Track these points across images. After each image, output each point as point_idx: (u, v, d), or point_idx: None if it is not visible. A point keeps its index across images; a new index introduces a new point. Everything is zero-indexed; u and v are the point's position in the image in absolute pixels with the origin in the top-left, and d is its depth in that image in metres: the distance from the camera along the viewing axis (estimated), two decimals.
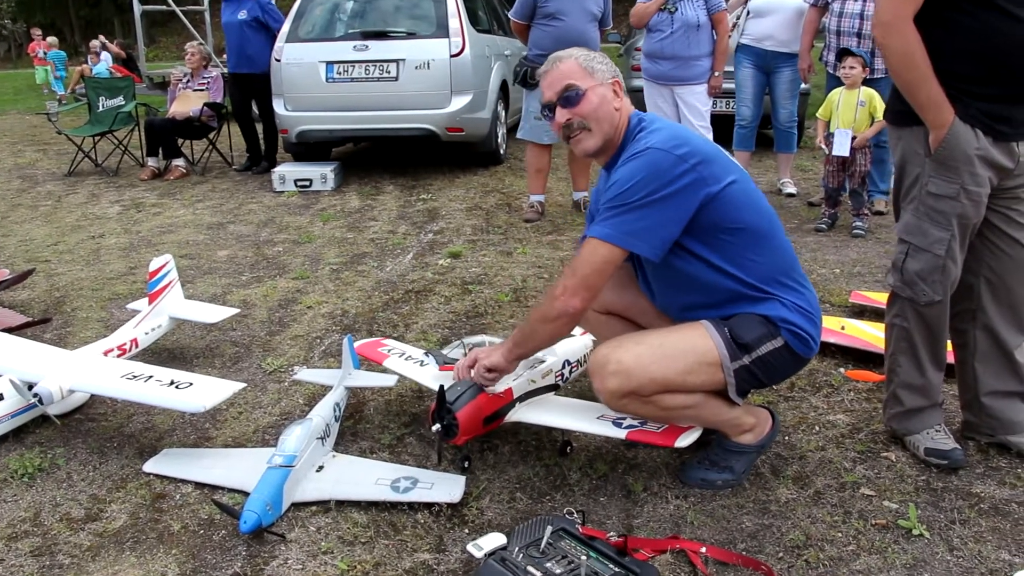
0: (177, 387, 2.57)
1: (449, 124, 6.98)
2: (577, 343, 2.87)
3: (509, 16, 5.76)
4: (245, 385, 2.74)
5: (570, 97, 2.27)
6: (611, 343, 2.24)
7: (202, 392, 2.54)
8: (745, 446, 2.42)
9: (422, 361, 2.87)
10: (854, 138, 5.27)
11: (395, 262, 4.84)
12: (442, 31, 6.88)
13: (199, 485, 2.44)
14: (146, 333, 3.24)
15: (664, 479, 2.47)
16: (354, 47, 6.84)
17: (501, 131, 7.94)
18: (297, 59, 6.92)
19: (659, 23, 5.53)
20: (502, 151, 7.97)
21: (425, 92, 6.90)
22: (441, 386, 2.40)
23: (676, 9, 5.47)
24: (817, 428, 2.77)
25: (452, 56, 6.86)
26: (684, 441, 2.29)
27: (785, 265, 2.31)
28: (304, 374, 2.98)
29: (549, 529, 2.00)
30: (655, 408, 2.23)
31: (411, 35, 6.98)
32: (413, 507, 2.31)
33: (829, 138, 5.40)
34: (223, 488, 2.41)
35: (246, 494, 2.29)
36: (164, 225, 5.83)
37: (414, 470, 2.44)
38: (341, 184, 7.06)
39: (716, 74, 5.59)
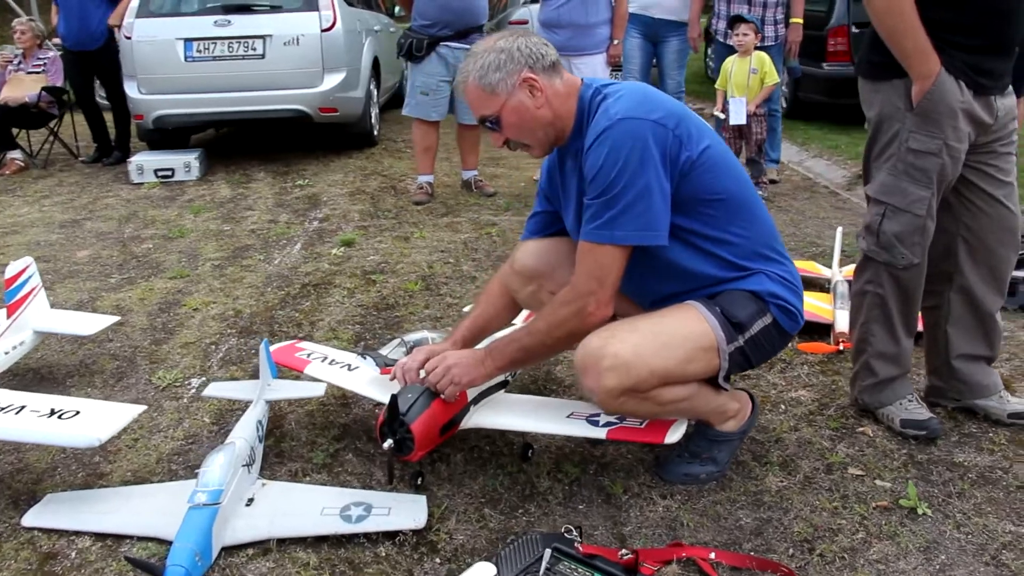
0: (60, 417, 2.10)
1: (322, 104, 6.51)
2: None
3: None
4: (146, 408, 2.29)
5: (490, 125, 2.07)
6: (600, 334, 1.96)
7: (93, 421, 2.09)
8: (728, 434, 2.21)
9: (350, 365, 2.51)
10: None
11: (283, 254, 4.40)
12: (311, 4, 6.37)
13: (99, 536, 1.99)
14: (6, 352, 2.70)
15: (643, 477, 2.23)
16: (215, 22, 6.23)
17: (375, 111, 7.53)
18: (150, 36, 6.23)
19: None
20: (376, 132, 7.57)
21: (295, 70, 6.38)
22: (393, 396, 2.06)
23: None
24: (783, 407, 2.61)
25: (323, 31, 6.36)
26: (674, 436, 2.06)
27: (768, 236, 2.11)
28: (214, 389, 2.55)
29: (548, 552, 1.72)
30: (652, 404, 1.99)
31: (277, 8, 6.43)
32: (370, 538, 1.96)
33: (725, 107, 5.34)
34: (132, 537, 1.98)
35: (164, 543, 1.88)
36: (6, 225, 5.10)
37: (364, 493, 2.10)
38: (207, 173, 6.46)
39: (615, 42, 5.41)
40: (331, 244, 4.56)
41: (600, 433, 2.09)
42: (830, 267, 3.66)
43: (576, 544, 1.78)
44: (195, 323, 3.41)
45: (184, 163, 6.24)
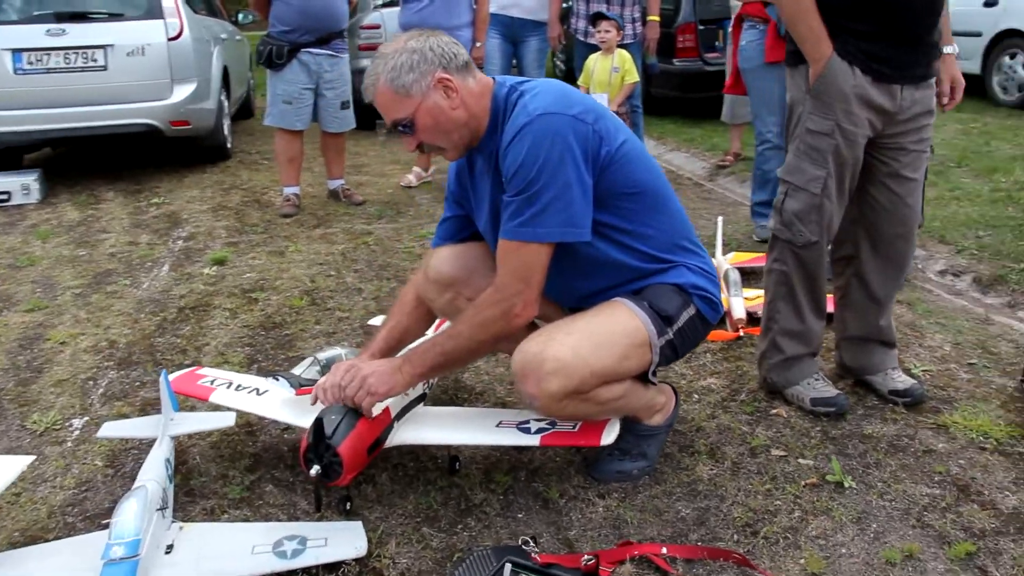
0: None
1: (173, 117, 6.13)
2: None
3: None
4: (35, 457, 2.06)
5: (403, 129, 1.99)
6: (537, 338, 1.92)
7: None
8: (656, 427, 2.22)
9: (259, 389, 2.36)
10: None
11: (151, 277, 4.11)
12: (155, 11, 5.99)
13: None
14: None
15: (576, 479, 2.20)
16: (47, 31, 5.74)
17: (227, 122, 7.20)
18: None
19: None
20: (229, 144, 7.23)
21: (141, 82, 5.98)
22: (318, 418, 1.94)
23: None
24: (696, 396, 2.66)
25: (170, 39, 5.99)
26: (609, 436, 2.04)
27: (684, 228, 2.14)
28: (109, 429, 2.32)
29: (508, 567, 1.66)
30: (591, 405, 1.96)
31: (117, 16, 6.01)
32: (310, 573, 1.84)
33: None
34: None
35: None
36: None
37: (295, 525, 1.96)
38: (48, 195, 5.94)
39: (478, 45, 5.38)
40: (201, 263, 4.30)
41: (533, 440, 2.05)
42: (714, 256, 3.76)
43: (533, 555, 1.73)
44: (65, 358, 3.11)
45: (22, 185, 5.73)
